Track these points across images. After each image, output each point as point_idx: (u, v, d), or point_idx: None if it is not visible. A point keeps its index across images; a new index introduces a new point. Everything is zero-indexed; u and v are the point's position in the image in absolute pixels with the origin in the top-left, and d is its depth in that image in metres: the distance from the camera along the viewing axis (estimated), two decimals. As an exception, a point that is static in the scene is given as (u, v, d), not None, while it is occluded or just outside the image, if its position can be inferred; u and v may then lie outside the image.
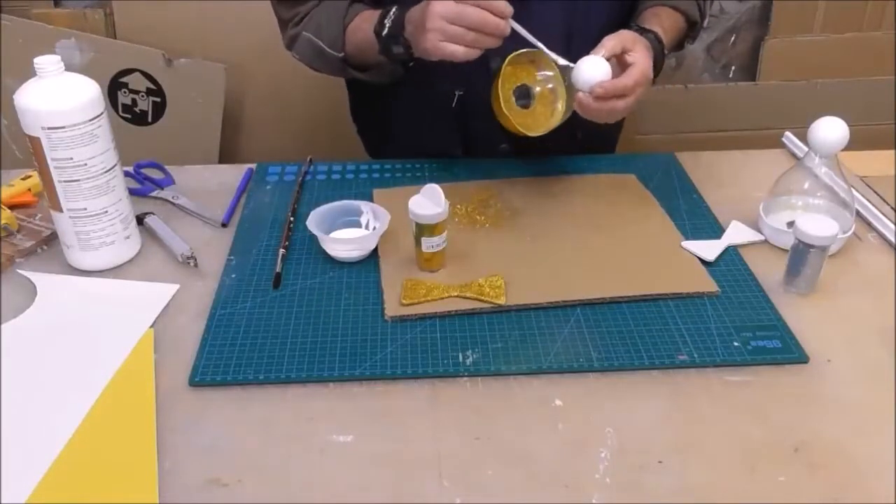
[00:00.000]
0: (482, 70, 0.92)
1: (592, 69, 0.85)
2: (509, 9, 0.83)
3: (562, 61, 0.88)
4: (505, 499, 0.61)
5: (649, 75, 0.87)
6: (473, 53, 0.84)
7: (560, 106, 0.95)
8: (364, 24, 0.97)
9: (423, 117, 0.97)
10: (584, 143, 1.09)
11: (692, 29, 1.06)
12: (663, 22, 0.98)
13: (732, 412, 0.68)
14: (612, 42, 0.86)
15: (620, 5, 1.03)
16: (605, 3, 1.01)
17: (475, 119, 1.00)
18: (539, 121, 0.94)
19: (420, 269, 0.85)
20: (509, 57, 0.89)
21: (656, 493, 0.61)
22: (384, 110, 0.96)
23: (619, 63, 0.87)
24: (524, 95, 0.94)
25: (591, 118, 0.88)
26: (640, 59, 0.86)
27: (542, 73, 0.94)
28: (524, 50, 0.89)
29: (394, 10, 0.92)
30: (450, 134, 1.03)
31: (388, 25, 0.91)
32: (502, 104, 0.89)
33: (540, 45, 0.88)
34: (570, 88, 0.89)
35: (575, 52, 0.86)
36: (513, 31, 0.84)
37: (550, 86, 0.95)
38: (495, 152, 1.09)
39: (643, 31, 0.93)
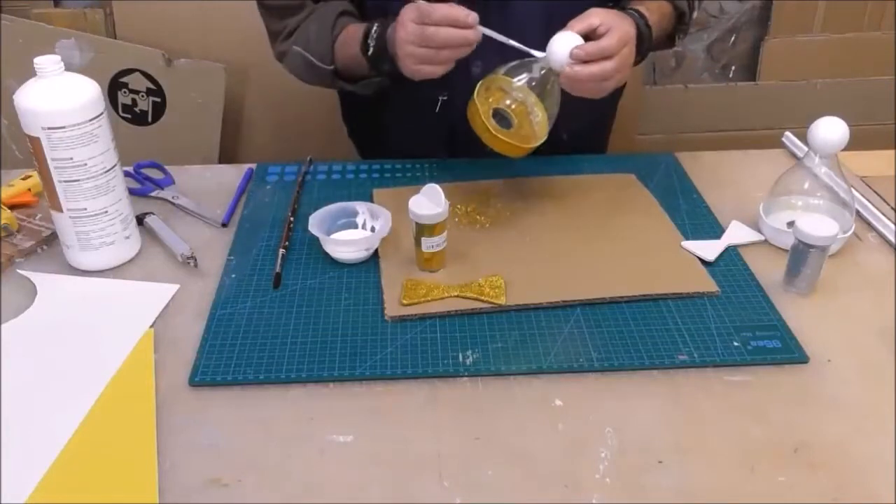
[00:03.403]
0: (464, 76, 0.91)
1: (567, 43, 0.82)
2: (473, 16, 0.83)
3: (538, 54, 0.86)
4: (505, 499, 0.61)
5: (631, 36, 0.85)
6: (450, 66, 0.86)
7: (540, 116, 0.89)
8: (350, 40, 0.97)
9: (408, 122, 0.98)
10: (570, 144, 1.08)
11: (681, 22, 1.05)
12: (649, 6, 0.96)
13: (732, 412, 0.68)
14: (594, 17, 0.84)
15: (602, 2, 1.02)
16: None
17: (459, 124, 1.01)
18: (525, 137, 0.89)
19: (420, 269, 0.85)
20: (480, 83, 0.86)
21: (656, 493, 0.61)
22: (372, 114, 0.97)
23: (596, 37, 0.84)
24: (499, 119, 0.91)
25: (581, 93, 0.85)
26: (617, 25, 0.83)
27: (514, 94, 0.90)
28: (491, 76, 0.87)
29: (375, 28, 0.92)
30: (435, 139, 1.02)
31: (372, 46, 0.92)
32: (488, 125, 0.85)
33: (512, 42, 0.86)
34: (548, 95, 0.87)
35: None
36: (488, 33, 0.84)
37: (522, 101, 0.90)
38: (481, 157, 1.09)
39: (625, 11, 0.92)
